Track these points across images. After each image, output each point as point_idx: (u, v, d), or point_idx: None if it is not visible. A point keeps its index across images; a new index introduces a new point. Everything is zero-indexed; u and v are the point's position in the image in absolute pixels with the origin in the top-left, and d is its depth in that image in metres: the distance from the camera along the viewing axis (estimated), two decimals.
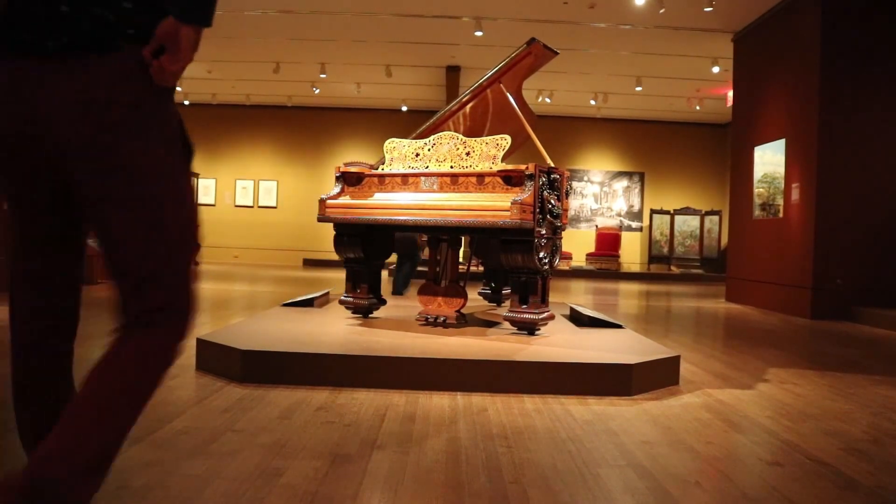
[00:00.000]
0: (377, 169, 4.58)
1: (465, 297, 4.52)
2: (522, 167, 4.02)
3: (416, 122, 5.30)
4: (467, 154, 4.28)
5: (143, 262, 1.33)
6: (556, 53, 4.78)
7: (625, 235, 16.51)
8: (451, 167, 4.30)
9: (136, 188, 1.27)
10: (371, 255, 4.65)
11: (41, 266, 1.38)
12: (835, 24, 7.62)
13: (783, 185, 8.39)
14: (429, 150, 4.42)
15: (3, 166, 1.29)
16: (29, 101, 1.22)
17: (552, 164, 4.22)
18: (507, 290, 5.80)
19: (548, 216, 4.07)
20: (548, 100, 13.99)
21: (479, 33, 10.05)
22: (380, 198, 4.44)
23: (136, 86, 1.24)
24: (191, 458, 2.27)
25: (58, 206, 1.33)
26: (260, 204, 16.54)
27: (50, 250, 1.38)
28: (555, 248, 4.24)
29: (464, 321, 4.56)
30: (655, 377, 3.60)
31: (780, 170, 8.49)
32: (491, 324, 4.70)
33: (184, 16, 1.20)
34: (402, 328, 4.38)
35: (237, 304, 7.15)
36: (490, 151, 4.21)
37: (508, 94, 4.70)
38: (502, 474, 2.23)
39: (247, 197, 16.38)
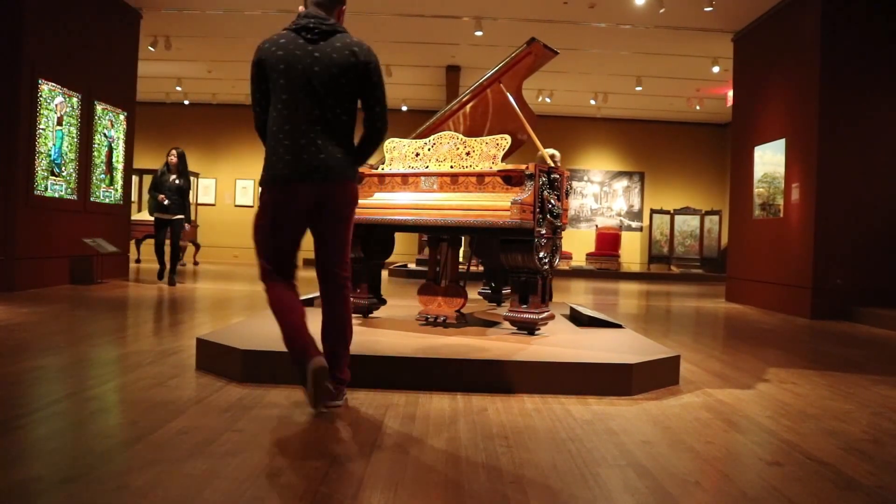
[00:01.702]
0: (377, 169, 4.58)
1: (465, 296, 4.52)
2: (522, 167, 4.02)
3: (416, 122, 5.30)
4: (467, 154, 4.28)
5: (340, 257, 2.92)
6: (556, 53, 4.78)
7: (625, 235, 16.51)
8: (451, 167, 4.30)
9: (342, 228, 2.91)
10: (371, 254, 4.65)
11: (289, 253, 2.92)
12: (835, 24, 7.62)
13: (783, 185, 8.39)
14: (429, 149, 4.42)
15: (299, 214, 2.84)
16: (301, 198, 2.80)
17: (552, 164, 4.22)
18: (506, 290, 5.80)
19: (548, 216, 4.07)
20: (548, 100, 13.99)
21: (479, 33, 10.04)
22: (380, 197, 4.44)
23: (350, 193, 2.91)
24: (191, 458, 2.27)
25: (301, 232, 2.92)
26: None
27: (291, 248, 2.92)
28: (555, 248, 4.24)
29: (464, 321, 4.55)
30: (655, 377, 3.60)
31: (780, 170, 8.49)
32: (491, 324, 4.70)
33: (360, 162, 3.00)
34: (402, 328, 4.38)
35: (237, 304, 7.15)
36: (490, 151, 4.21)
37: (508, 94, 4.70)
38: (502, 474, 2.23)
39: (247, 197, 16.37)
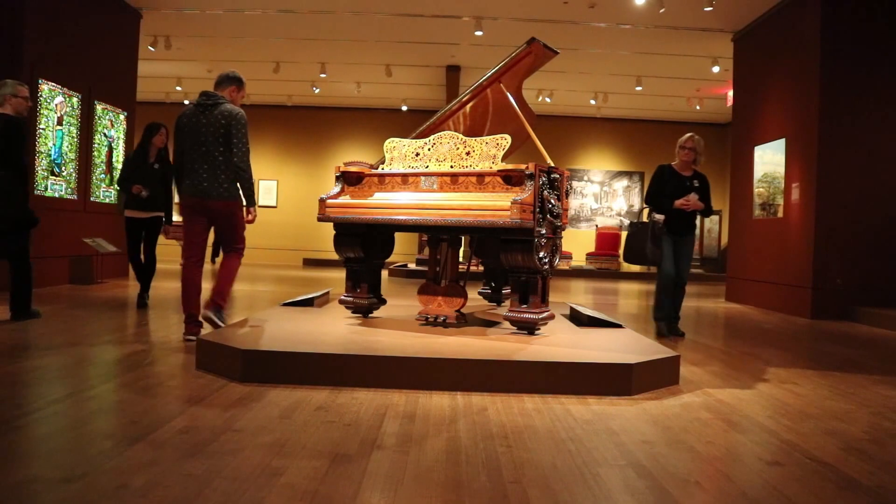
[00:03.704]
0: (377, 168, 4.58)
1: (465, 296, 4.52)
2: (522, 167, 4.02)
3: (416, 122, 5.30)
4: (467, 154, 4.28)
5: (232, 238, 4.58)
6: (556, 53, 4.78)
7: (625, 235, 16.49)
8: (451, 167, 4.30)
9: (229, 224, 4.52)
10: (371, 254, 4.65)
11: (199, 240, 4.51)
12: (835, 24, 7.62)
13: (783, 185, 8.39)
14: (429, 149, 4.42)
15: (201, 216, 4.45)
16: (207, 207, 4.41)
17: (552, 164, 4.22)
18: (506, 290, 5.80)
19: (548, 216, 4.07)
20: (548, 100, 13.99)
21: (479, 33, 10.04)
22: (380, 197, 4.44)
23: (238, 206, 4.48)
24: (191, 457, 2.27)
25: (207, 226, 4.52)
26: (260, 203, 16.51)
27: (202, 238, 4.53)
28: (555, 248, 4.24)
29: (464, 321, 4.55)
30: (655, 377, 3.60)
31: (780, 170, 8.49)
32: (491, 323, 4.70)
33: (250, 203, 4.52)
34: (402, 328, 4.38)
35: (237, 304, 7.14)
36: (490, 151, 4.21)
37: (508, 94, 4.70)
38: (502, 474, 2.23)
39: None
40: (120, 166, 9.21)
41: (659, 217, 5.37)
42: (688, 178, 5.50)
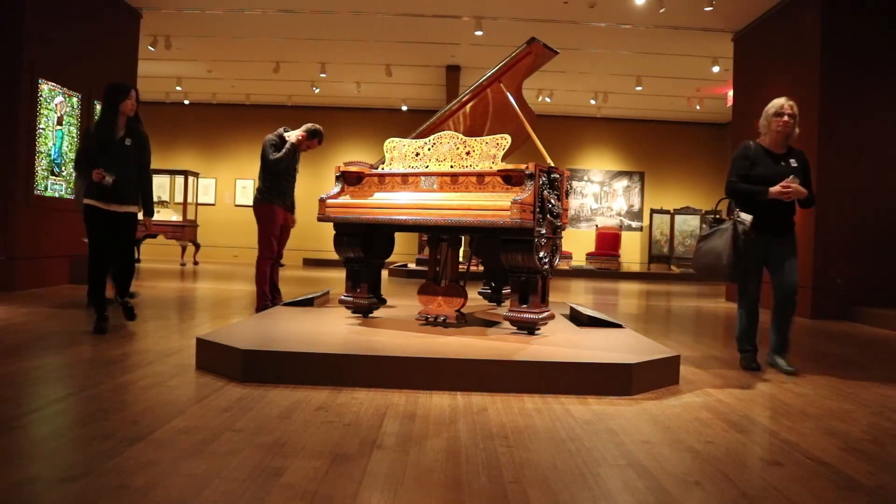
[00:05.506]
0: (377, 168, 4.58)
1: (465, 296, 4.52)
2: (522, 167, 4.02)
3: (416, 122, 5.30)
4: (467, 153, 4.28)
5: (258, 239, 5.89)
6: (556, 53, 4.78)
7: (625, 235, 16.49)
8: (451, 167, 4.30)
9: (258, 225, 5.80)
10: (371, 254, 4.65)
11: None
12: (835, 24, 7.61)
13: None
14: (429, 149, 4.42)
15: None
16: None
17: (552, 164, 4.22)
18: (506, 290, 5.80)
19: (548, 216, 4.07)
20: (548, 100, 13.99)
21: (479, 33, 10.04)
22: (380, 197, 4.44)
23: (257, 210, 5.82)
24: (191, 457, 2.27)
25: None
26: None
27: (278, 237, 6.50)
28: (555, 248, 4.24)
29: (464, 321, 4.55)
30: (655, 377, 3.60)
31: None
32: (491, 323, 4.70)
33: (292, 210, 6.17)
34: (402, 328, 4.38)
35: (237, 304, 7.14)
36: (490, 151, 4.21)
37: (508, 94, 4.70)
38: (502, 474, 2.23)
39: (247, 196, 16.34)
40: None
41: (746, 218, 3.95)
42: (782, 157, 4.14)
